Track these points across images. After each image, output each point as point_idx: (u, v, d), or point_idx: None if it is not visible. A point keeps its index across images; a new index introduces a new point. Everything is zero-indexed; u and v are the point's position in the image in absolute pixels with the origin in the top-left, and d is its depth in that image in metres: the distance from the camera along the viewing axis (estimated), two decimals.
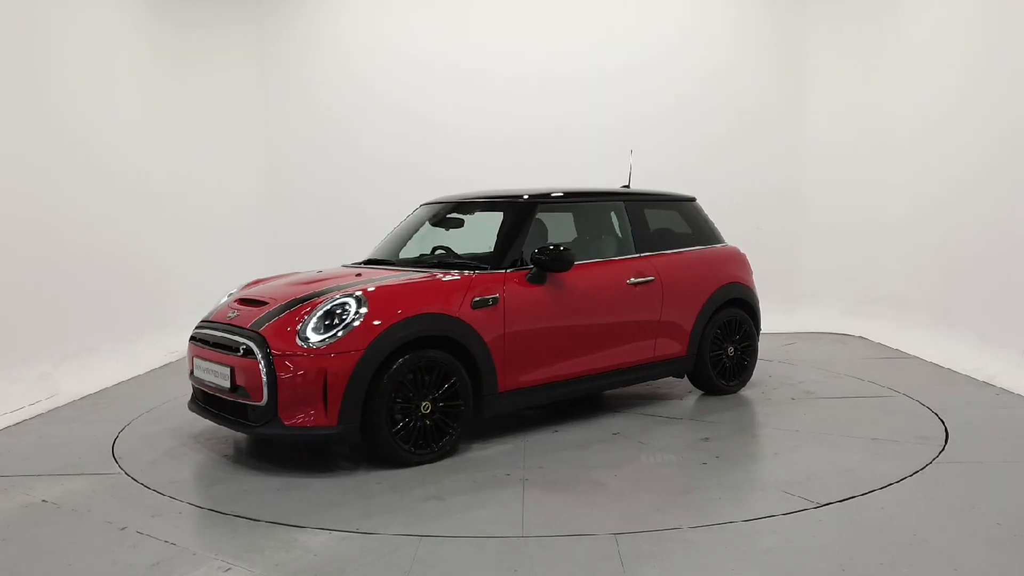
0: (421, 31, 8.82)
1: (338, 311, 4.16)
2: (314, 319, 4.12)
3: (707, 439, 4.72)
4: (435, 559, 3.11)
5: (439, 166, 8.71)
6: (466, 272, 4.68)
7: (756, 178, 8.84)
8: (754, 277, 6.15)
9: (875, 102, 8.43)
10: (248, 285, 5.07)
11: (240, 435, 4.86)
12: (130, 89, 7.58)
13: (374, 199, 8.70)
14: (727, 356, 5.79)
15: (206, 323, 4.66)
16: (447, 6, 8.84)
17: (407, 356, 4.17)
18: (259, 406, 4.06)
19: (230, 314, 4.52)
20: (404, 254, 5.42)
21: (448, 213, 5.47)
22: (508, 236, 4.91)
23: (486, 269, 4.73)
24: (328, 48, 8.92)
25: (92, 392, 6.14)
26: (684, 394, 5.87)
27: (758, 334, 6.12)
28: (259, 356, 4.05)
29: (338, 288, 4.40)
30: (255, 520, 3.53)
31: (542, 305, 4.76)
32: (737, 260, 6.06)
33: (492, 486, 3.96)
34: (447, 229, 5.46)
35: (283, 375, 3.99)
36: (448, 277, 4.60)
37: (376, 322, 4.12)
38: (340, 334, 4.06)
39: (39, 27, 6.20)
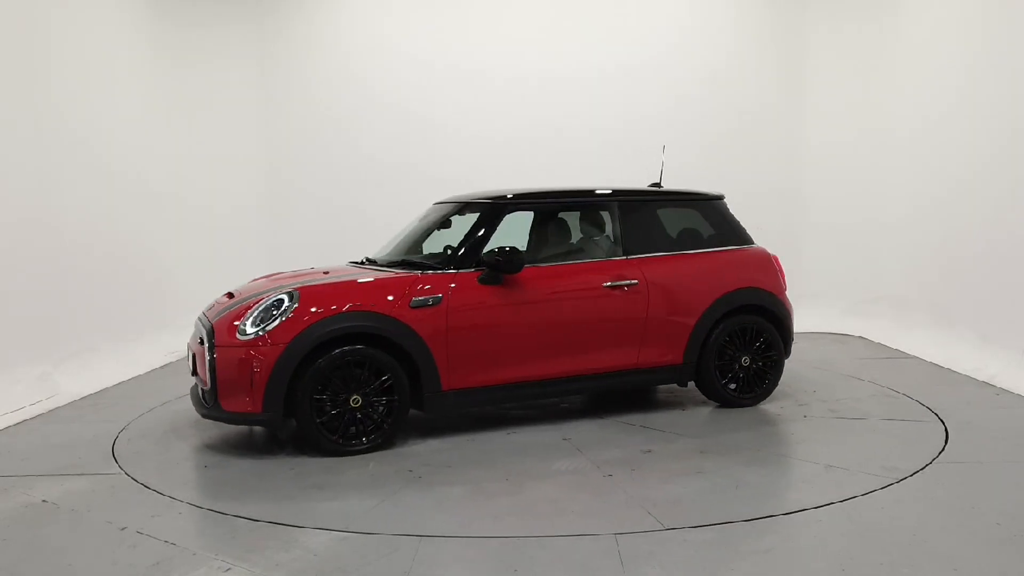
0: (421, 31, 8.81)
1: (278, 306, 4.41)
2: (254, 314, 4.42)
3: (649, 451, 4.47)
4: (435, 559, 3.12)
5: (439, 166, 8.70)
6: (415, 272, 4.76)
7: (756, 178, 8.81)
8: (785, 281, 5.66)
9: (875, 102, 8.42)
10: (251, 282, 5.30)
11: (237, 434, 4.88)
12: (130, 89, 7.57)
13: (374, 199, 8.70)
14: (740, 366, 5.35)
15: (201, 314, 4.98)
16: (447, 6, 8.83)
17: (335, 351, 4.34)
18: (208, 391, 4.44)
19: (212, 306, 4.87)
20: (406, 253, 5.38)
21: (455, 213, 5.46)
22: (466, 237, 4.94)
23: (437, 269, 4.78)
24: (328, 48, 8.91)
25: (92, 392, 6.13)
26: (691, 404, 5.50)
27: (787, 344, 5.55)
28: (207, 345, 4.41)
29: (287, 286, 4.63)
30: (255, 520, 3.54)
31: (493, 306, 4.73)
32: (759, 263, 5.57)
33: (382, 482, 4.02)
34: (437, 229, 5.47)
35: (221, 363, 4.35)
36: (395, 276, 4.71)
37: (303, 317, 4.35)
38: (269, 328, 4.33)
39: (39, 27, 6.19)
